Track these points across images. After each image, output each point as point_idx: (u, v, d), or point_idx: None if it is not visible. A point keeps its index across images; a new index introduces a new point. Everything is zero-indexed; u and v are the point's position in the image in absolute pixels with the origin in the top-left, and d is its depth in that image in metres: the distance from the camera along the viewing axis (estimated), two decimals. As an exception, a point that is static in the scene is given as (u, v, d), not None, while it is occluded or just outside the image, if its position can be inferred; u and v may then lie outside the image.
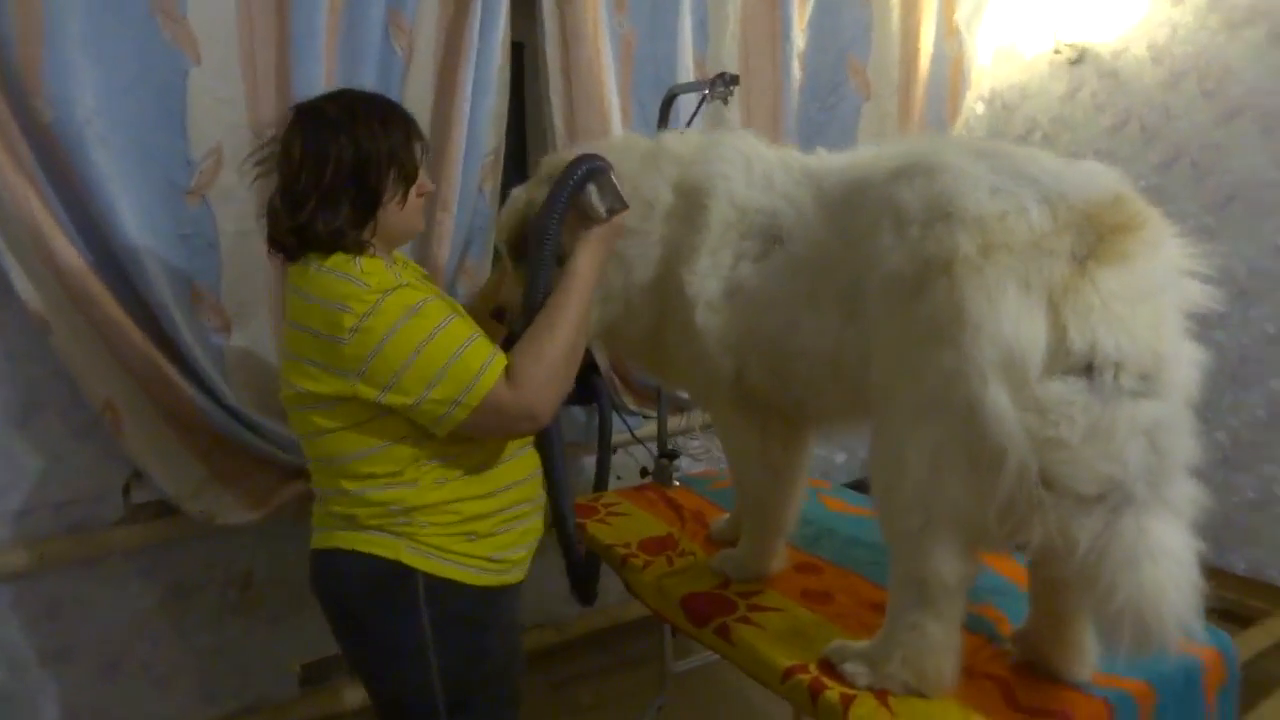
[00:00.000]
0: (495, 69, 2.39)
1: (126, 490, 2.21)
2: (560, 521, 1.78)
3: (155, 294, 2.01)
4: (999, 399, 1.20)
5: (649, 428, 2.88)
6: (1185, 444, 1.21)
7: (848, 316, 1.43)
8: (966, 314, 1.20)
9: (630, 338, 1.67)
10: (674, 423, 2.87)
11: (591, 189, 1.56)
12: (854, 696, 1.36)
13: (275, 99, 2.15)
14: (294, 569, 2.44)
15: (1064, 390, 1.19)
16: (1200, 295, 1.22)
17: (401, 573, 1.50)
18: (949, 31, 3.19)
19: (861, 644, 1.44)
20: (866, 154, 1.50)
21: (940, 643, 1.35)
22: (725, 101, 2.00)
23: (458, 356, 1.41)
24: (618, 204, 1.58)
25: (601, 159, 1.59)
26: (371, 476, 1.50)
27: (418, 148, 1.56)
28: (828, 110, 3.08)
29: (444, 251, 2.36)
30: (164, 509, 2.22)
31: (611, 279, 1.64)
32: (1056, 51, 3.36)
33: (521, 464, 1.63)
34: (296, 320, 1.49)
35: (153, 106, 2.01)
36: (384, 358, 1.40)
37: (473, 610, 1.57)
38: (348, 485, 1.51)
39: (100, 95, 1.92)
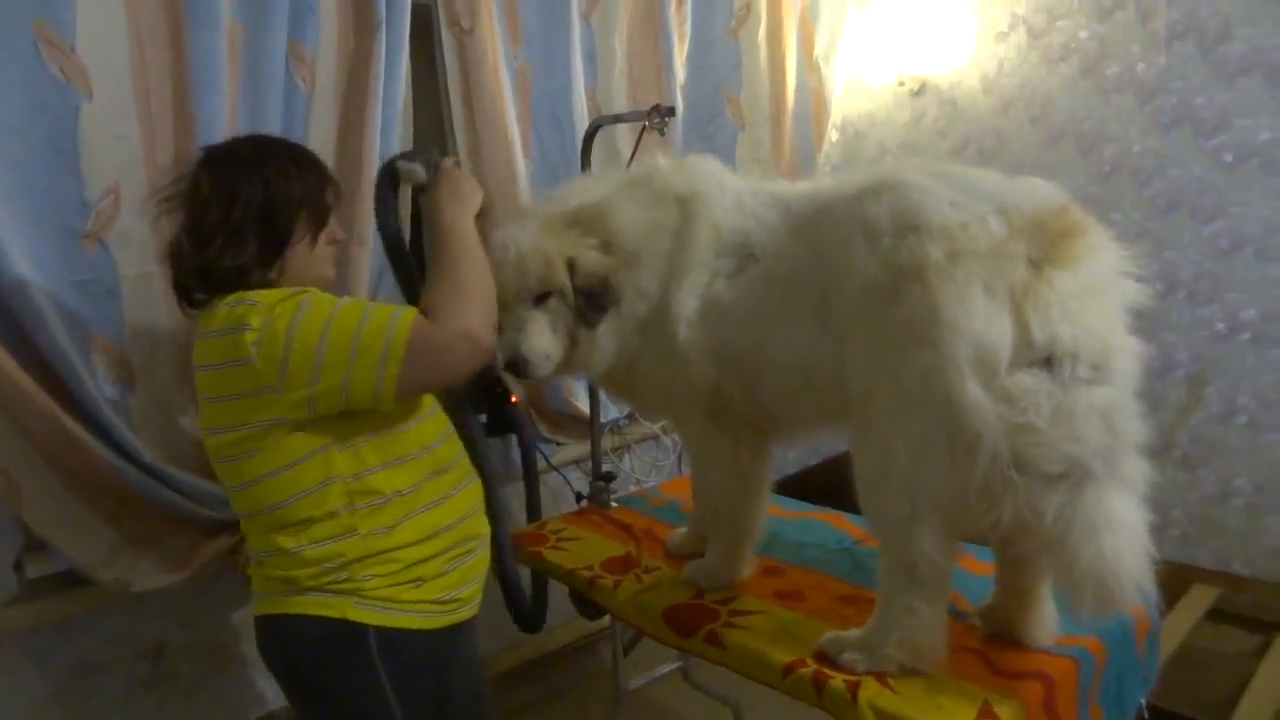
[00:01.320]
0: (400, 102, 2.36)
1: (18, 566, 2.00)
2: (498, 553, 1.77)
3: (54, 346, 1.85)
4: (974, 391, 1.32)
5: (562, 454, 2.90)
6: (1134, 425, 1.36)
7: (819, 327, 1.52)
8: (942, 316, 1.32)
9: (614, 364, 1.70)
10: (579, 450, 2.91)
11: (401, 164, 1.70)
12: (858, 682, 1.44)
13: (174, 135, 2.04)
14: (210, 634, 2.29)
15: (1029, 380, 1.32)
16: (1136, 293, 1.39)
17: (351, 631, 1.46)
18: (810, 65, 3.42)
19: (854, 633, 1.52)
20: (829, 180, 1.62)
21: (931, 622, 1.45)
22: (662, 132, 2.08)
23: (366, 320, 1.41)
24: (435, 157, 1.69)
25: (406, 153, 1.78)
26: (309, 521, 1.45)
27: (330, 194, 1.57)
28: (706, 139, 3.23)
29: (360, 286, 2.30)
30: (64, 582, 2.03)
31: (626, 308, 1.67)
32: (900, 83, 3.67)
33: (463, 500, 1.61)
34: (203, 362, 1.45)
35: (43, 145, 1.86)
36: (298, 355, 1.37)
37: (429, 655, 1.54)
38: (284, 542, 1.46)
39: (-16, 133, 1.76)
